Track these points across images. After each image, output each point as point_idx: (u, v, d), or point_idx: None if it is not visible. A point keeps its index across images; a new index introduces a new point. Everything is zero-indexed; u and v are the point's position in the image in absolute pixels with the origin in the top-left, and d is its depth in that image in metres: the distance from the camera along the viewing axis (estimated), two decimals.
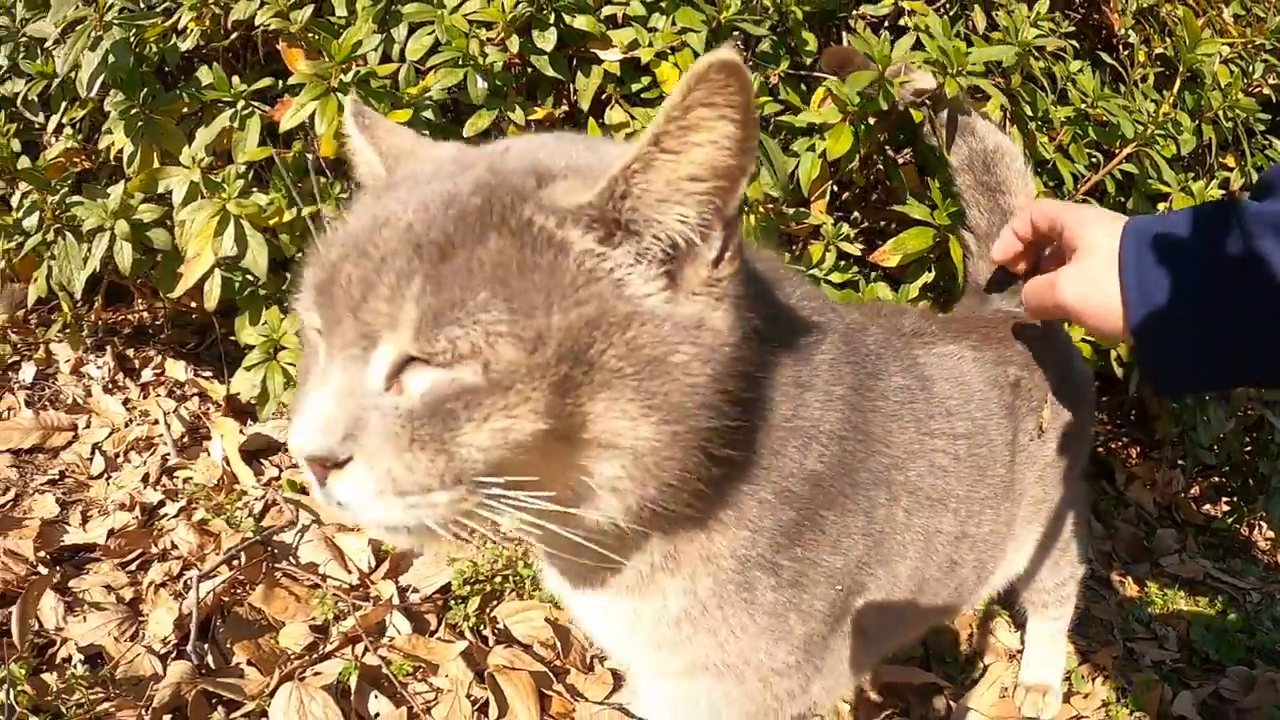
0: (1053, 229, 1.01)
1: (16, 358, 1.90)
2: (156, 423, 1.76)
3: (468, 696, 1.19)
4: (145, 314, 2.00)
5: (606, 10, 1.47)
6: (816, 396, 0.76)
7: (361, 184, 0.71)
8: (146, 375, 1.88)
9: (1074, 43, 1.63)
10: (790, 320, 0.77)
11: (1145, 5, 1.64)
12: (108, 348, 1.90)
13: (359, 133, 0.71)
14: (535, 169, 0.60)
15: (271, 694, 1.18)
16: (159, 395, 1.82)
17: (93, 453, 1.71)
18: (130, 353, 1.92)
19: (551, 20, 1.42)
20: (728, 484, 0.71)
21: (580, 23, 1.43)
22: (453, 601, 1.36)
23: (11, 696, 1.18)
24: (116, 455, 1.71)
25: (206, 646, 1.29)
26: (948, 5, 1.62)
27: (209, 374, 1.87)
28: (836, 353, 0.79)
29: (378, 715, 1.17)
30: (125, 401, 1.81)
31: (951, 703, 1.43)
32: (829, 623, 0.87)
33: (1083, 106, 1.60)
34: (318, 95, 1.42)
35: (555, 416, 0.54)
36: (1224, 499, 1.93)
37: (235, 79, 1.54)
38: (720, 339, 0.59)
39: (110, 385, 1.85)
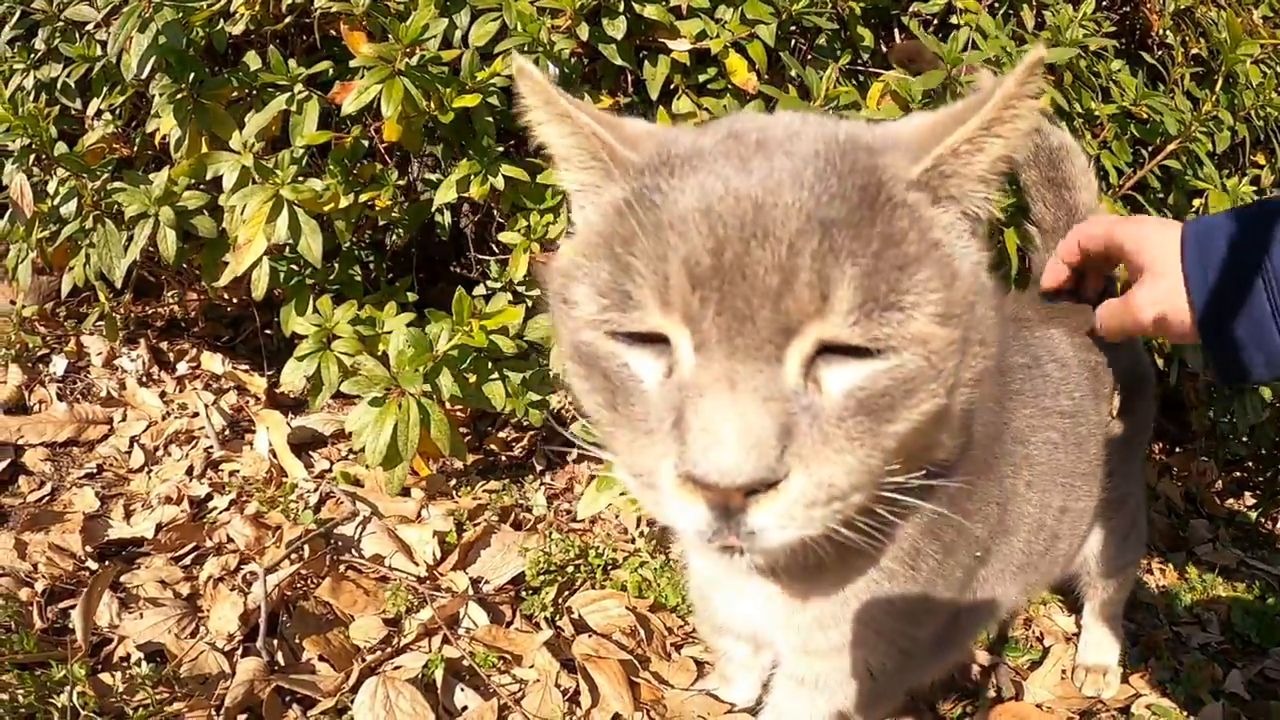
0: (1108, 250, 0.98)
1: (46, 350, 1.80)
2: (195, 415, 1.67)
3: (556, 686, 1.12)
4: (176, 307, 1.90)
5: (673, 1, 1.43)
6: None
7: (565, 158, 0.60)
8: (181, 368, 1.79)
9: (1114, 42, 1.63)
10: None
11: (1183, 6, 1.64)
12: (141, 340, 1.81)
13: (565, 101, 0.59)
14: (861, 142, 0.57)
15: (354, 689, 1.11)
16: (196, 388, 1.73)
17: (131, 446, 1.62)
18: (164, 345, 1.83)
19: (621, 9, 1.38)
20: None
21: (650, 12, 1.39)
22: (524, 592, 1.30)
23: (74, 698, 1.10)
24: (156, 449, 1.62)
25: (275, 642, 1.21)
26: (997, 4, 1.61)
27: (246, 367, 1.79)
28: None
29: (465, 709, 1.11)
30: (162, 394, 1.72)
31: (1016, 683, 1.40)
32: (961, 589, 0.86)
33: (1125, 104, 1.60)
34: (382, 79, 1.36)
35: (961, 388, 0.53)
36: (1248, 493, 1.94)
37: (291, 62, 1.47)
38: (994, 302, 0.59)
39: (145, 378, 1.76)
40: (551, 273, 0.58)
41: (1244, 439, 1.70)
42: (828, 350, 0.49)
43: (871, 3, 1.54)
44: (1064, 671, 1.44)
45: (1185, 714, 1.39)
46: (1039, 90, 0.54)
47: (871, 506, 0.54)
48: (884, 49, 1.60)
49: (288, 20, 1.54)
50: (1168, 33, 1.67)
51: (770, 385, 0.47)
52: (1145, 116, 1.62)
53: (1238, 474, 1.95)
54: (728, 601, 0.88)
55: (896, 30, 1.62)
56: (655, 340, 0.51)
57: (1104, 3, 1.72)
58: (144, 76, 1.51)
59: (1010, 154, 0.57)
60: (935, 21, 1.63)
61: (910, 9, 1.59)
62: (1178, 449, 1.91)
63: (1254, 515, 1.86)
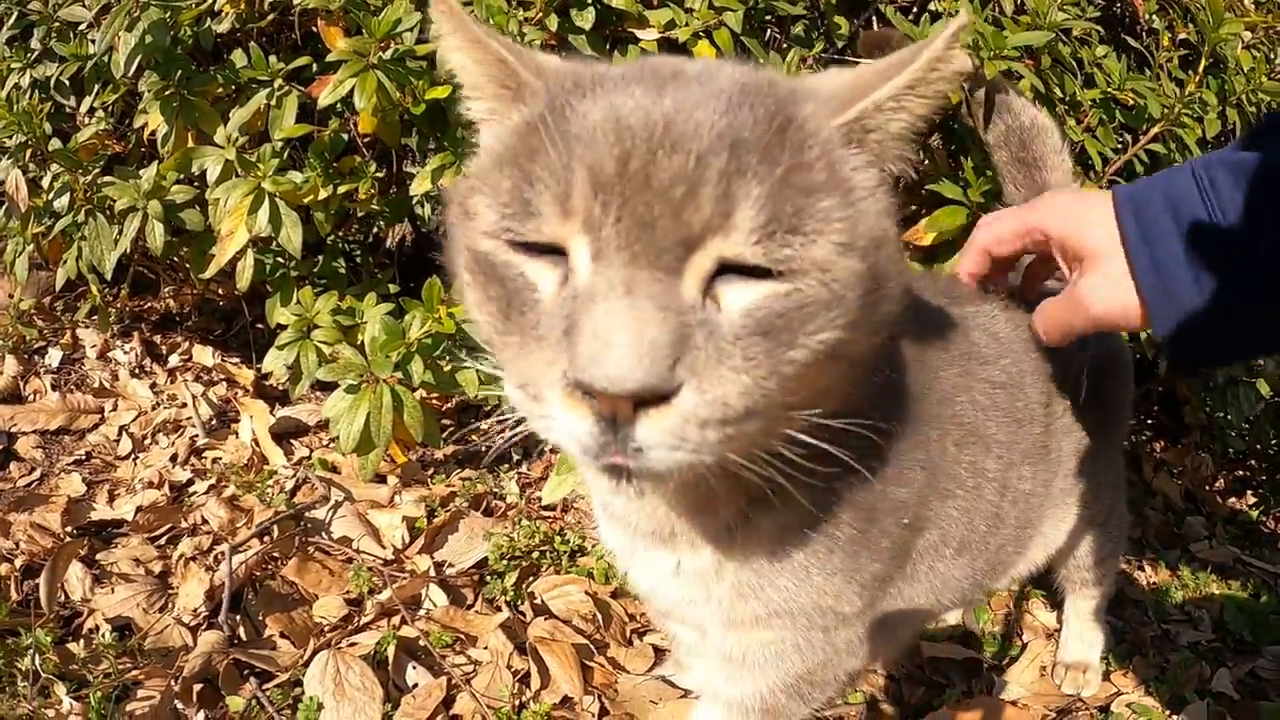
0: (1031, 246, 0.89)
1: (43, 343, 1.85)
2: (184, 406, 1.71)
3: (508, 668, 1.13)
4: (171, 301, 1.95)
5: None
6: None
7: (475, 85, 0.60)
8: (174, 361, 1.83)
9: (1099, 28, 1.61)
10: None
11: None
12: (135, 334, 1.86)
13: (477, 27, 0.58)
14: (781, 86, 0.57)
15: (306, 664, 1.13)
16: (186, 380, 1.78)
17: (120, 434, 1.67)
18: (157, 339, 1.88)
19: (589, 0, 1.40)
20: None
21: (618, 2, 1.40)
22: (488, 576, 1.31)
23: (37, 662, 1.13)
24: (144, 437, 1.66)
25: (238, 619, 1.23)
26: None
27: (236, 360, 1.83)
28: None
29: (415, 686, 1.12)
30: (152, 386, 1.76)
31: (992, 679, 1.37)
32: (892, 563, 0.84)
33: (1110, 90, 1.58)
34: (357, 72, 1.39)
35: (864, 323, 0.53)
36: (1250, 491, 1.89)
37: (272, 58, 1.51)
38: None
39: (137, 370, 1.81)
40: (454, 189, 0.58)
41: (1242, 434, 1.65)
42: (729, 270, 0.49)
43: None
44: (1043, 668, 1.42)
45: (1168, 713, 1.35)
46: (961, 55, 0.56)
47: (776, 448, 0.53)
48: (857, 31, 1.59)
49: (271, 18, 1.58)
50: (1153, 17, 1.65)
51: (667, 295, 0.46)
52: (1130, 102, 1.60)
53: (1240, 473, 1.90)
54: (640, 576, 0.86)
55: (874, 18, 1.62)
56: (554, 252, 0.51)
57: None
58: (133, 74, 1.56)
59: (929, 115, 0.58)
60: (914, 9, 1.63)
61: None
62: (1176, 444, 1.87)
63: (1255, 514, 1.81)
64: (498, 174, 0.53)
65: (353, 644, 1.16)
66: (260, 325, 1.82)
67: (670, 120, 0.49)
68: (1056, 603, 1.49)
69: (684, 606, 0.85)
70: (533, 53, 0.62)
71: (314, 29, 1.59)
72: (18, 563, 1.33)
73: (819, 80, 0.61)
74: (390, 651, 1.13)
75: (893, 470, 0.77)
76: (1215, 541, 1.72)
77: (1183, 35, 1.65)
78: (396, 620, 1.20)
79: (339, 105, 1.49)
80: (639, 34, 1.43)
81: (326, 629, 1.20)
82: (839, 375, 0.57)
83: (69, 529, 1.40)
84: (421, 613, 1.24)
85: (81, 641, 1.19)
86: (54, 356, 1.81)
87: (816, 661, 0.85)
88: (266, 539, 1.32)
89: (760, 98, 0.54)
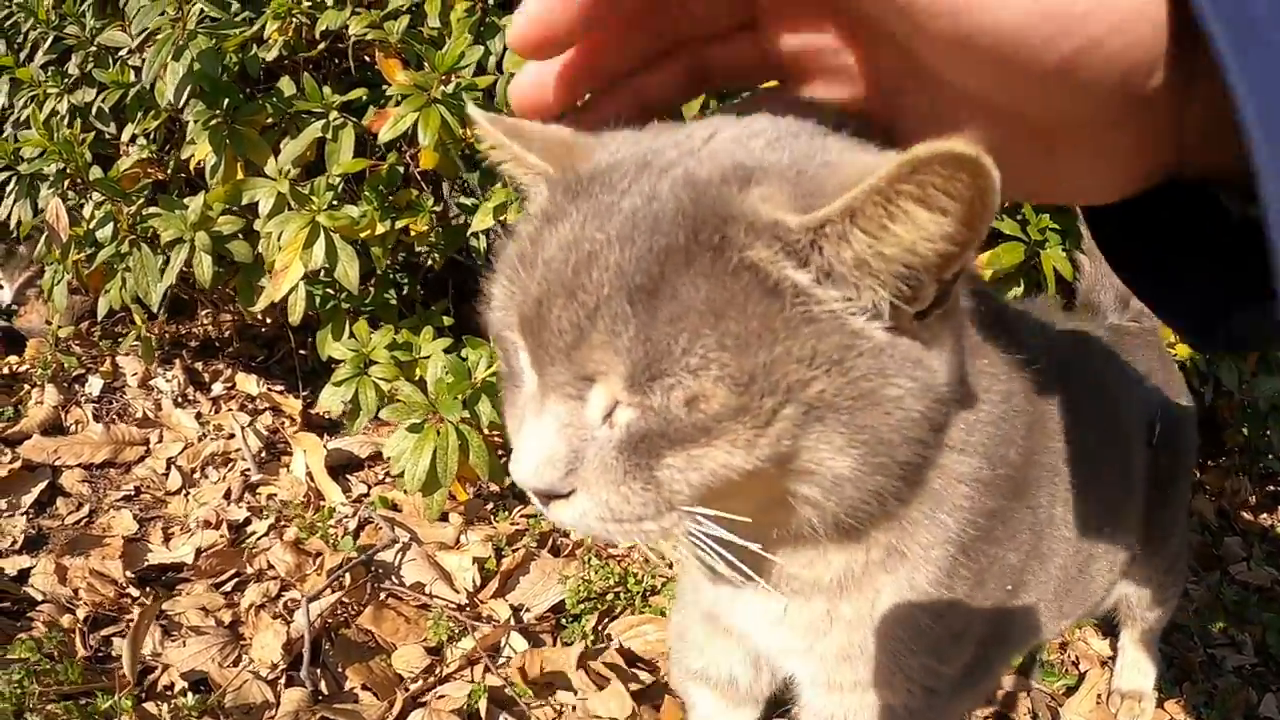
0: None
1: (82, 370, 1.80)
2: (231, 437, 1.67)
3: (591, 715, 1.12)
4: (210, 328, 1.91)
5: None
6: (1016, 389, 0.74)
7: (517, 182, 0.59)
8: (217, 389, 1.79)
9: None
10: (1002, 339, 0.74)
11: None
12: (176, 361, 1.81)
13: (498, 131, 0.57)
14: (736, 172, 0.50)
15: (400, 718, 1.11)
16: (232, 410, 1.74)
17: (168, 468, 1.63)
18: (199, 366, 1.83)
19: None
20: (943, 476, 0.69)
21: None
22: (564, 620, 1.30)
23: None
24: (193, 471, 1.62)
25: (318, 671, 1.21)
26: None
27: (281, 388, 1.79)
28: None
29: None
30: (197, 415, 1.72)
31: (1052, 709, 1.39)
32: (991, 624, 0.84)
33: None
34: (419, 107, 1.35)
35: (764, 452, 0.50)
36: None
37: (326, 89, 1.47)
38: (935, 378, 0.53)
39: (180, 399, 1.76)
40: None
41: None
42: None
43: None
44: (1099, 696, 1.43)
45: None
46: (956, 195, 0.42)
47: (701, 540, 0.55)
48: None
49: (321, 47, 1.53)
50: None
51: (568, 416, 0.51)
52: None
53: (1271, 488, 1.93)
54: (743, 620, 0.85)
55: None
56: None
57: None
58: (179, 104, 1.52)
59: (897, 254, 0.46)
60: None
61: None
62: (1211, 464, 1.89)
63: None
64: (505, 268, 0.56)
65: (440, 696, 1.14)
66: (304, 352, 1.79)
67: (581, 264, 0.49)
68: (1110, 630, 1.50)
69: (782, 656, 0.84)
70: (578, 144, 0.55)
71: (366, 59, 1.55)
72: (81, 614, 1.30)
73: (839, 159, 0.51)
74: (482, 704, 1.12)
75: (1006, 532, 0.77)
76: (1253, 563, 1.75)
77: None
78: (480, 671, 1.19)
79: (397, 138, 1.46)
80: None
81: (409, 681, 1.18)
82: (788, 489, 0.54)
83: (129, 574, 1.37)
84: (503, 660, 1.22)
85: (160, 702, 1.17)
86: (94, 385, 1.77)
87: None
88: (338, 585, 1.30)
89: (701, 204, 0.49)
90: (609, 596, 1.30)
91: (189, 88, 1.48)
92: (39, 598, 1.33)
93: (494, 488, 1.56)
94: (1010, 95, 0.37)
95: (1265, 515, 1.94)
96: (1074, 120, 0.36)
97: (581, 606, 1.28)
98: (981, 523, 0.72)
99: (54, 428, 1.70)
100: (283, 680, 1.20)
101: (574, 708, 1.16)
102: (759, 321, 0.47)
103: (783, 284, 0.48)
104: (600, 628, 1.28)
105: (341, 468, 1.62)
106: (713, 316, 0.47)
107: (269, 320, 1.82)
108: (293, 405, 1.73)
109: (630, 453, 0.51)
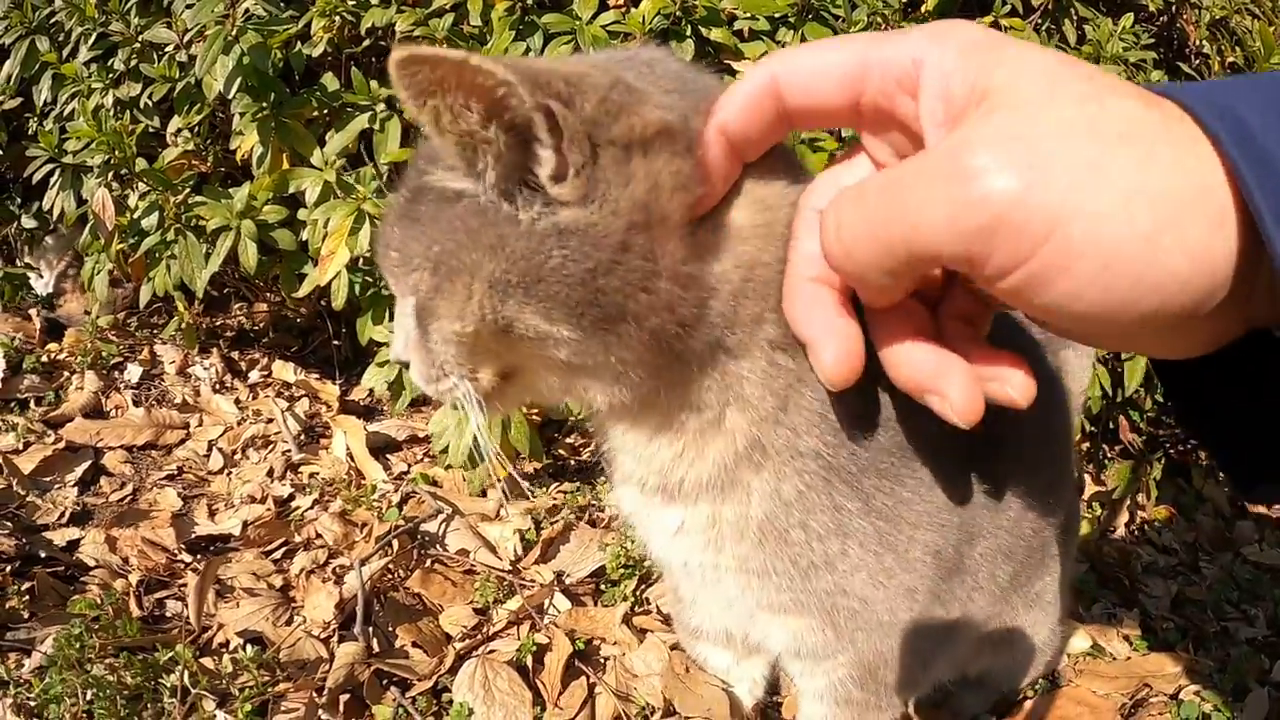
0: (872, 94, 0.50)
1: (120, 358, 1.87)
2: (270, 421, 1.74)
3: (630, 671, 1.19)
4: (245, 318, 1.98)
5: (737, 24, 1.52)
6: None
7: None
8: (254, 377, 1.86)
9: (1154, 54, 1.72)
10: None
11: (1218, 17, 1.73)
12: (214, 349, 1.88)
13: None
14: None
15: (450, 671, 1.17)
16: (269, 395, 1.81)
17: (209, 449, 1.69)
18: (235, 355, 1.90)
19: (689, 32, 1.47)
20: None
21: (715, 35, 1.47)
22: (604, 585, 1.37)
23: (185, 678, 1.16)
24: (234, 452, 1.68)
25: (370, 630, 1.27)
26: (1040, 20, 1.69)
27: (317, 375, 1.86)
28: None
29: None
30: (236, 401, 1.79)
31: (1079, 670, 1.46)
32: (938, 577, 0.82)
33: None
34: None
35: (473, 318, 0.61)
36: None
37: (373, 83, 1.56)
38: (603, 238, 0.57)
39: (219, 386, 1.83)
40: None
41: None
42: None
43: (924, 21, 1.62)
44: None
45: (1232, 700, 1.44)
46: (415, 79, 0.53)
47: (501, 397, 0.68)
48: None
49: (366, 44, 1.63)
50: (1204, 43, 1.76)
51: (404, 308, 0.67)
52: None
53: None
54: (654, 533, 0.84)
55: None
56: None
57: (1142, 15, 1.80)
58: (229, 96, 1.61)
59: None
60: None
61: None
62: None
63: None
64: None
65: (491, 651, 1.21)
66: (338, 342, 1.87)
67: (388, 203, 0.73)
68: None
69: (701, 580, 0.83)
70: None
71: None
72: (133, 578, 1.36)
73: None
74: (529, 659, 1.18)
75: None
76: (1265, 545, 1.83)
77: (1231, 59, 1.76)
78: (525, 629, 1.25)
79: None
80: (735, 65, 1.49)
81: (458, 639, 1.25)
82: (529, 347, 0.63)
83: (180, 544, 1.44)
84: (546, 619, 1.29)
85: (217, 657, 1.23)
86: (133, 372, 1.83)
87: (859, 674, 0.86)
88: (387, 551, 1.37)
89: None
90: (645, 563, 1.37)
91: (238, 81, 1.57)
92: (91, 564, 1.39)
93: (528, 467, 1.63)
94: (1094, 335, 0.47)
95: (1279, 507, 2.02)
96: (1149, 332, 0.43)
97: (621, 572, 1.35)
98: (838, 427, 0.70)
99: (94, 412, 1.76)
100: (335, 638, 1.26)
101: (614, 659, 1.23)
102: (434, 221, 0.61)
103: (435, 187, 0.61)
104: (639, 592, 1.35)
105: (379, 449, 1.69)
106: (420, 224, 0.62)
107: (304, 310, 1.90)
108: (330, 391, 1.80)
109: (419, 330, 0.65)
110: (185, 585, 1.35)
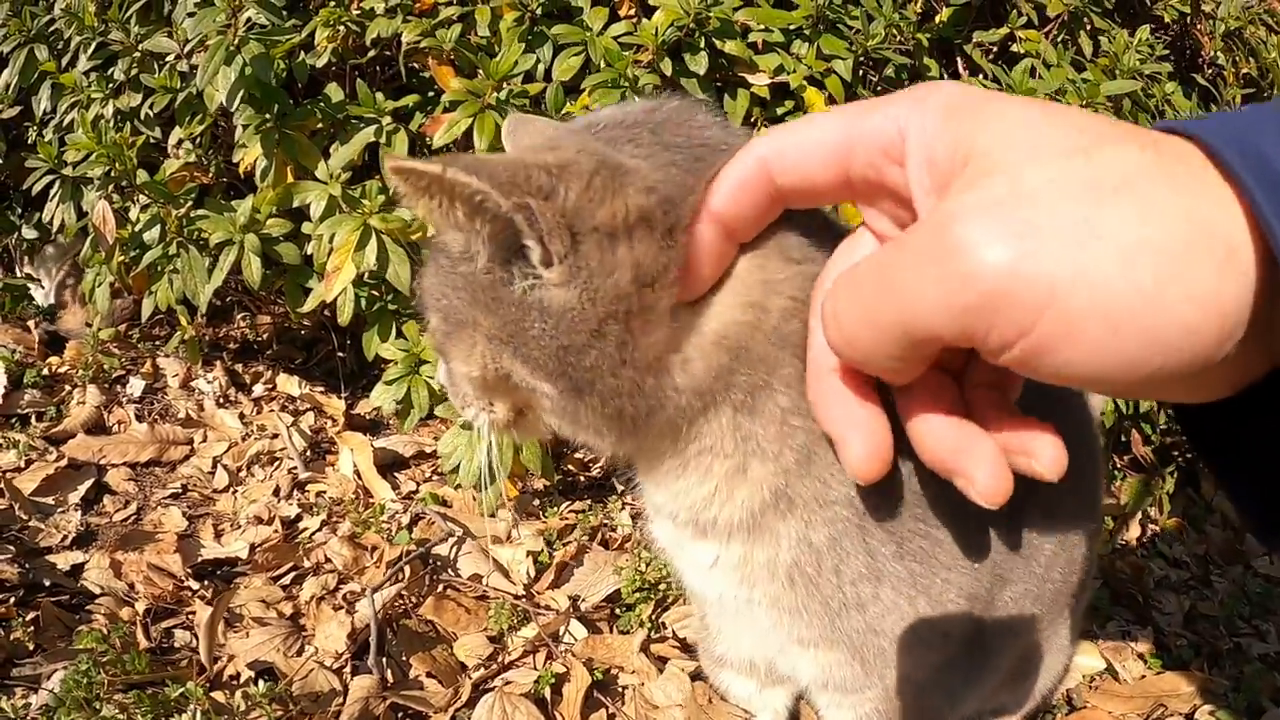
0: (861, 167, 0.48)
1: (122, 372, 1.83)
2: (276, 436, 1.70)
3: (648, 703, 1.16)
4: (248, 330, 1.94)
5: (751, 36, 1.47)
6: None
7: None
8: (258, 390, 1.82)
9: (1169, 65, 1.68)
10: None
11: (1232, 28, 1.70)
12: (217, 362, 1.84)
13: (506, 139, 0.73)
14: None
15: (467, 704, 1.14)
16: (274, 410, 1.77)
17: (214, 466, 1.65)
18: (239, 368, 1.86)
19: (702, 44, 1.43)
20: None
21: (729, 47, 1.43)
22: (619, 609, 1.34)
23: (197, 717, 1.13)
24: (239, 469, 1.65)
25: (383, 660, 1.24)
26: (1056, 32, 1.66)
27: (322, 389, 1.82)
28: None
29: None
30: (240, 416, 1.75)
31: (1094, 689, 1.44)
32: (969, 620, 0.80)
33: None
34: (474, 113, 1.40)
35: (476, 364, 0.64)
36: None
37: (379, 95, 1.52)
38: (576, 314, 0.58)
39: (223, 400, 1.79)
40: None
41: None
42: None
43: (937, 34, 1.59)
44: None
45: (1247, 718, 1.43)
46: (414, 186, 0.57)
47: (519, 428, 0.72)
48: (945, 79, 1.65)
49: (371, 54, 1.58)
50: (1218, 54, 1.73)
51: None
52: None
53: None
54: (690, 569, 0.83)
55: (959, 60, 1.67)
56: None
57: (1155, 27, 1.77)
58: (232, 108, 1.56)
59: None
60: (995, 49, 1.68)
61: (973, 39, 1.64)
62: None
63: None
64: None
65: (508, 682, 1.18)
66: (343, 355, 1.83)
67: None
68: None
69: (724, 606, 0.81)
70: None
71: (416, 65, 1.60)
72: (140, 606, 1.32)
73: None
74: (547, 690, 1.15)
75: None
76: (1274, 558, 1.81)
77: (1245, 70, 1.73)
78: (542, 657, 1.23)
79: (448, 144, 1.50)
80: (750, 78, 1.45)
81: (473, 669, 1.22)
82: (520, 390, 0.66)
83: (186, 568, 1.40)
84: (563, 647, 1.26)
85: (227, 691, 1.19)
86: (136, 386, 1.79)
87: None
88: (399, 577, 1.33)
89: None
90: (661, 586, 1.34)
91: (240, 92, 1.53)
92: (96, 591, 1.36)
93: (538, 485, 1.60)
94: (1109, 390, 0.46)
95: None
96: (1164, 383, 0.39)
97: (636, 596, 1.32)
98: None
99: (97, 427, 1.72)
100: (348, 669, 1.23)
101: (633, 689, 1.20)
102: (445, 274, 0.63)
103: (444, 247, 0.64)
104: (655, 616, 1.32)
105: (387, 466, 1.65)
106: (438, 272, 0.65)
107: (307, 323, 1.86)
108: (336, 406, 1.76)
109: (445, 365, 0.70)
110: (193, 613, 1.32)
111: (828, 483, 0.69)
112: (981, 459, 0.48)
